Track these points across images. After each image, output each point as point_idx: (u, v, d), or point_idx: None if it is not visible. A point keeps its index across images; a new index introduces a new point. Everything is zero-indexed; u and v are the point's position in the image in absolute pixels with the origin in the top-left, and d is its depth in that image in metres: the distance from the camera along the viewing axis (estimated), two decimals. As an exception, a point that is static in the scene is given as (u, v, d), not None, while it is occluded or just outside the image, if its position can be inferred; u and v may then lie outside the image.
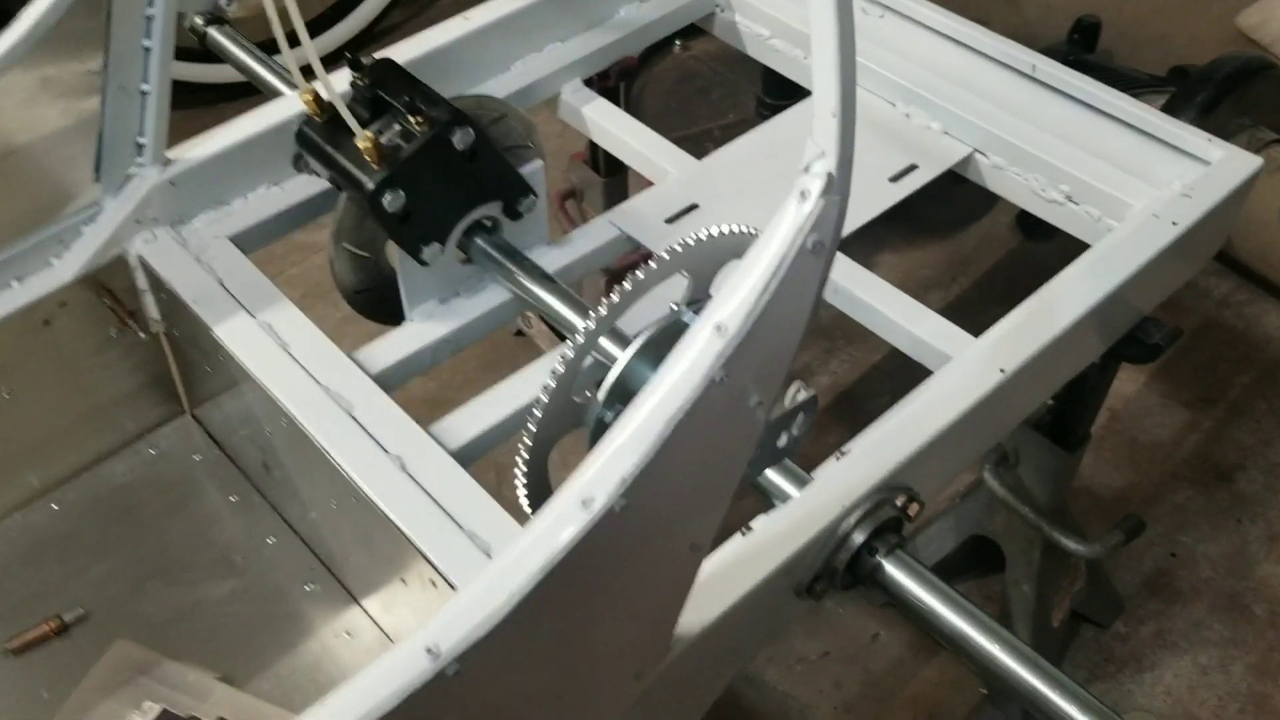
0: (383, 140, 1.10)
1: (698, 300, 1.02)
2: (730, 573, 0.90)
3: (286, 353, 1.14)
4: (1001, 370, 1.03)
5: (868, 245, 2.12)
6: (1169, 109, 1.81)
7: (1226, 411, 1.88)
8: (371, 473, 1.03)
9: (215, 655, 1.19)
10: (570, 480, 0.68)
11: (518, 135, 1.26)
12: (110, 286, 1.25)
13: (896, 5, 1.48)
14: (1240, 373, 1.93)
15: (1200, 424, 1.86)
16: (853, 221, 1.32)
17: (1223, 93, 1.86)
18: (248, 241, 1.27)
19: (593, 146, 1.71)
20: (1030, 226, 2.02)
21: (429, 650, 0.65)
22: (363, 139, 1.07)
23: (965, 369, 1.06)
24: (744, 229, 1.03)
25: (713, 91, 2.16)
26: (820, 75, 0.66)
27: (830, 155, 0.65)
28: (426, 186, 1.12)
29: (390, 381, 1.18)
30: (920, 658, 1.56)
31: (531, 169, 1.22)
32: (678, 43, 2.27)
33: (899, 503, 0.97)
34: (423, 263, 1.17)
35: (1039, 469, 1.39)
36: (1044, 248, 2.04)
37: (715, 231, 0.98)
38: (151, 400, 1.37)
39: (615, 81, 1.56)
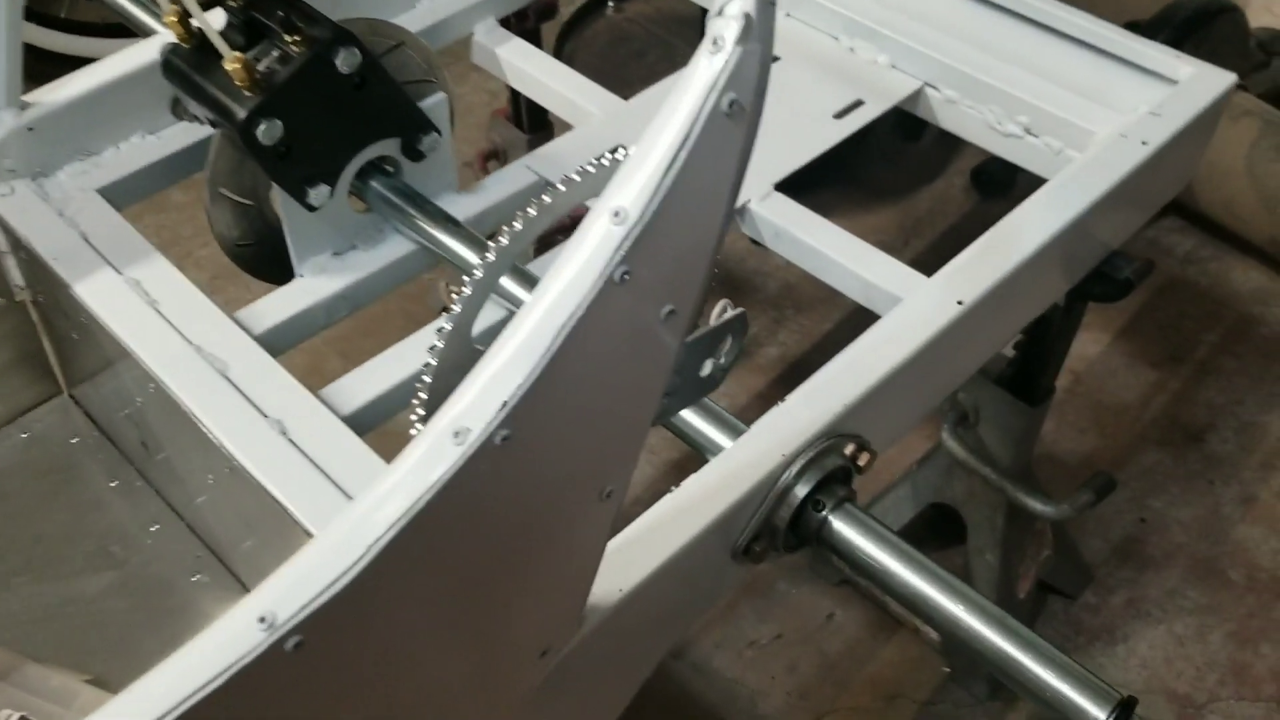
0: (260, 67, 0.97)
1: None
2: (654, 535, 0.78)
3: (155, 310, 1.00)
4: (959, 302, 0.92)
5: (818, 207, 2.00)
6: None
7: (1194, 370, 1.78)
8: (245, 437, 0.91)
9: (88, 656, 1.06)
10: (443, 409, 0.56)
11: (418, 67, 1.13)
12: (-40, 246, 1.11)
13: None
14: (1207, 330, 1.84)
15: (1167, 384, 1.76)
16: (795, 160, 1.21)
17: (1181, 37, 1.77)
18: (120, 195, 1.14)
19: (515, 101, 1.58)
20: (985, 184, 1.92)
21: (262, 620, 0.53)
22: (231, 60, 0.94)
23: (918, 306, 0.95)
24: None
25: (648, 54, 2.05)
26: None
27: (747, -7, 0.53)
28: (308, 117, 0.99)
29: (277, 343, 1.05)
30: (879, 638, 1.45)
31: (433, 102, 1.10)
32: (610, 3, 2.16)
33: (847, 451, 0.85)
34: (309, 207, 1.04)
35: (1001, 427, 1.28)
36: (1000, 207, 1.93)
37: (631, 150, 0.86)
38: (23, 379, 1.23)
39: (534, 22, 1.43)
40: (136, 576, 1.12)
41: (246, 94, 0.96)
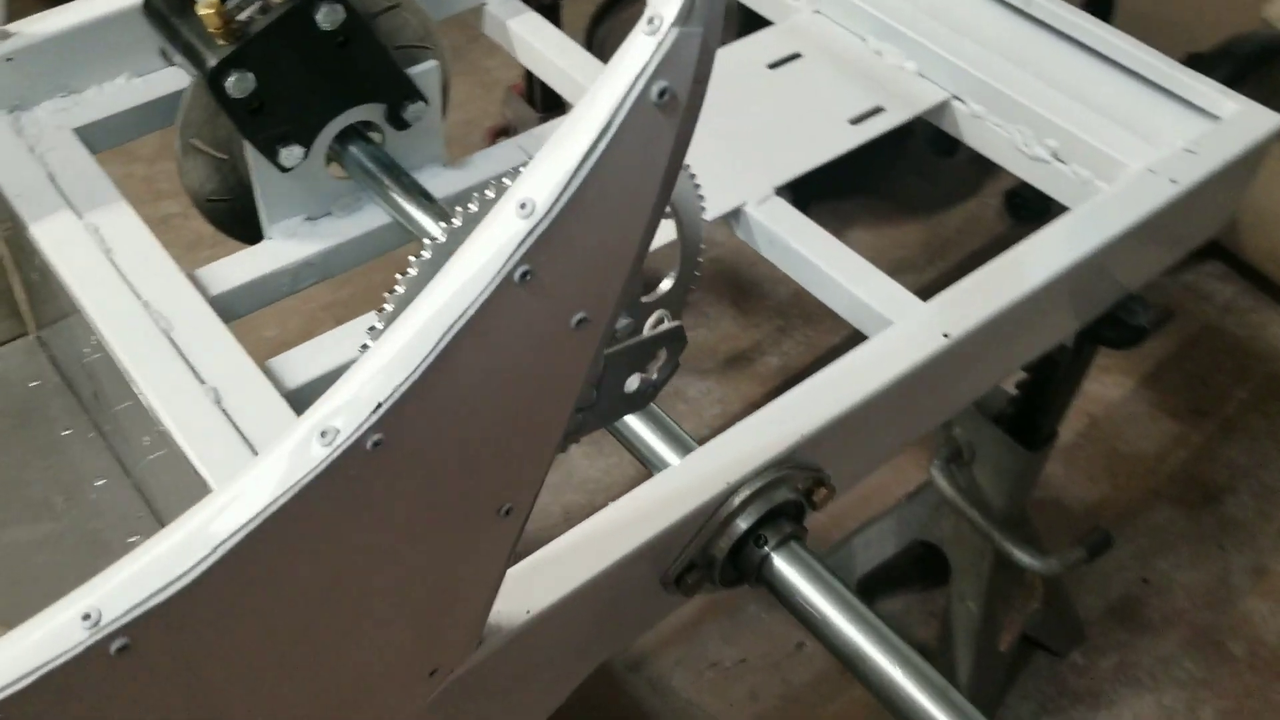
0: (241, 16, 0.92)
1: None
2: (575, 555, 0.72)
3: (109, 259, 0.96)
4: (945, 335, 0.85)
5: (840, 218, 1.94)
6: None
7: (1220, 427, 1.69)
8: (174, 400, 0.86)
9: (11, 606, 1.01)
10: (313, 407, 0.50)
11: (413, 32, 1.08)
12: (-73, 174, 1.07)
13: (877, -72, 1.30)
14: (1238, 385, 1.75)
15: (1189, 438, 1.68)
16: (800, 164, 1.14)
17: (1241, 72, 1.68)
18: (97, 136, 1.09)
19: (529, 78, 1.53)
20: (1018, 208, 1.84)
21: (87, 617, 0.48)
22: (205, 5, 0.89)
23: (903, 332, 0.88)
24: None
25: (687, 40, 1.98)
26: None
27: (690, -30, 0.47)
28: (284, 72, 0.94)
29: (236, 306, 1.00)
30: (849, 675, 1.38)
31: (423, 69, 1.04)
32: (654, -14, 2.08)
33: (801, 485, 0.79)
34: (281, 167, 0.99)
35: (996, 469, 1.21)
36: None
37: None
38: (-17, 317, 1.20)
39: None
40: (74, 531, 1.08)
41: (220, 43, 0.91)
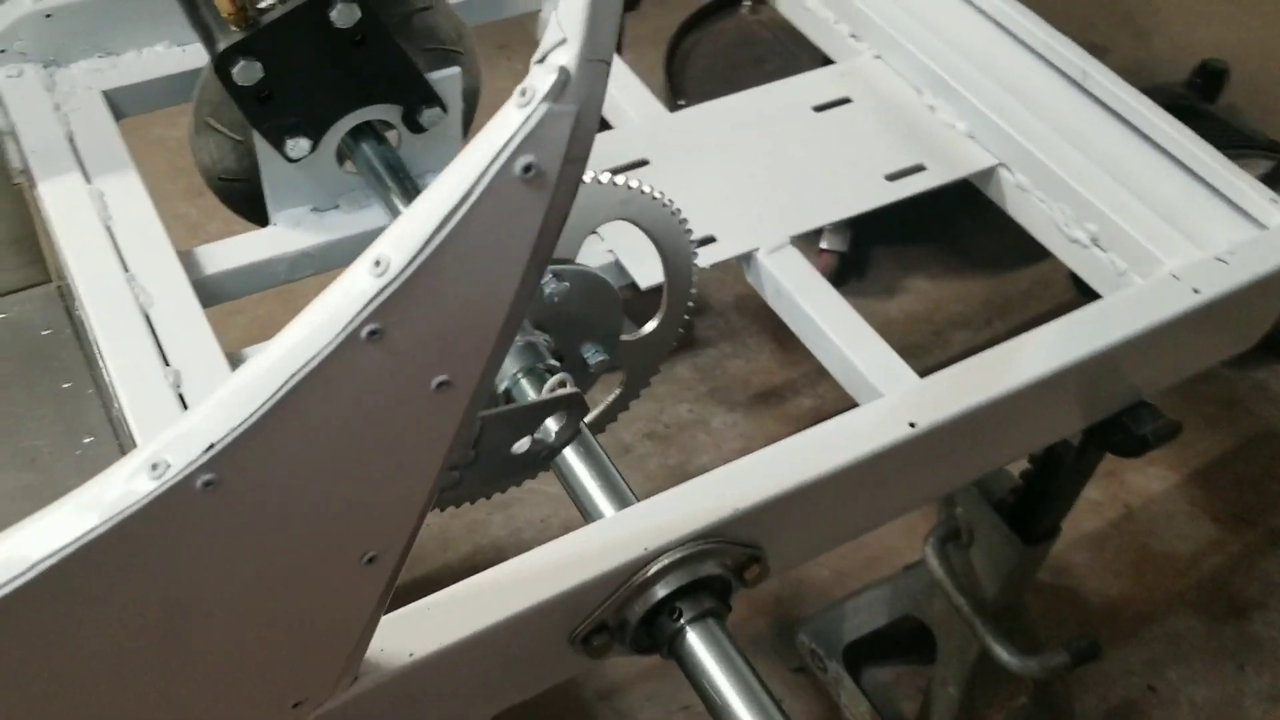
0: (261, 4, 0.92)
1: (555, 260, 0.83)
2: (474, 601, 0.70)
3: (105, 227, 0.97)
4: (911, 424, 0.81)
5: (902, 264, 1.88)
6: (1270, 179, 1.54)
7: (1263, 538, 1.60)
8: (135, 379, 0.87)
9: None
10: (155, 437, 0.49)
11: (444, 34, 1.06)
12: (-39, 119, 1.10)
13: (949, -22, 1.25)
14: (1292, 497, 1.65)
15: (1227, 545, 1.59)
16: (823, 216, 1.10)
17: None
18: (127, 101, 1.11)
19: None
20: (1081, 282, 1.76)
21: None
22: (218, -10, 0.89)
23: (875, 412, 0.84)
24: (607, 180, 0.83)
25: (769, 62, 1.94)
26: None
27: (574, 42, 0.45)
28: (294, 65, 0.93)
29: (228, 288, 1.01)
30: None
31: (444, 75, 1.03)
32: (747, 2, 2.05)
33: (732, 560, 0.76)
34: (288, 158, 0.99)
35: (991, 556, 1.16)
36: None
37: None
38: (16, 260, 1.22)
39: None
40: (53, 486, 1.10)
41: (232, 28, 0.91)
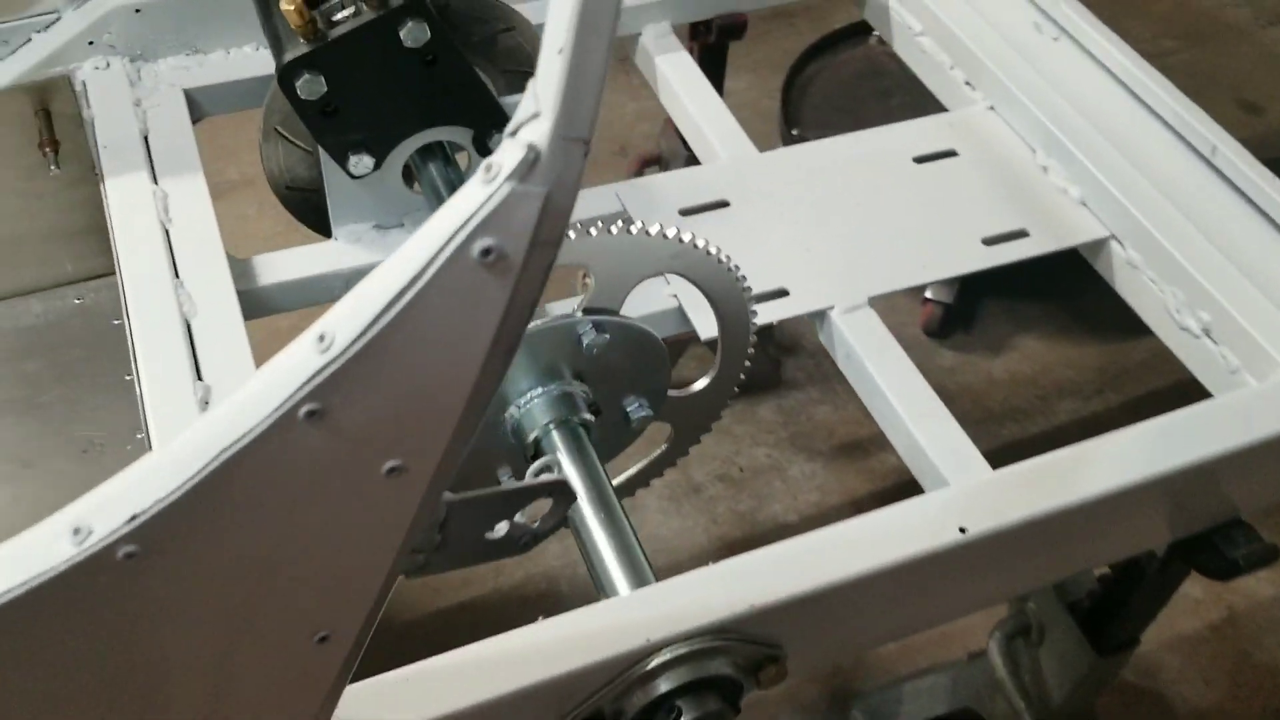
0: (336, 17, 0.90)
1: (596, 310, 0.78)
2: (462, 675, 0.66)
3: (163, 229, 0.96)
4: (962, 530, 0.73)
5: (1013, 320, 1.78)
6: None
7: (1386, 662, 1.45)
8: (163, 391, 0.85)
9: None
10: (83, 498, 0.46)
11: (525, 57, 1.03)
12: (51, 108, 1.11)
13: (1076, 31, 1.16)
14: None
15: (1341, 664, 1.45)
16: (907, 278, 1.03)
17: None
18: (208, 101, 1.10)
19: (690, 113, 1.45)
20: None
21: None
22: (287, 1, 0.87)
23: (923, 509, 0.77)
24: (657, 231, 0.77)
25: (894, 96, 1.86)
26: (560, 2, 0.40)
27: (548, 117, 0.40)
28: (360, 82, 0.91)
29: (282, 300, 0.99)
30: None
31: (518, 100, 0.98)
32: (877, 33, 1.96)
33: (744, 659, 0.70)
34: (350, 175, 0.96)
35: (1062, 661, 1.06)
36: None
37: (602, 229, 0.73)
38: (95, 247, 1.23)
39: (718, 38, 1.30)
40: (102, 474, 1.10)
41: (301, 40, 0.89)
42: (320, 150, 0.96)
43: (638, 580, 0.74)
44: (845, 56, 1.95)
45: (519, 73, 1.03)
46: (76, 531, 0.45)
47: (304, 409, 0.43)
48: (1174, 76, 1.09)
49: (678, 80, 1.19)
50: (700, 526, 1.52)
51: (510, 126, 0.41)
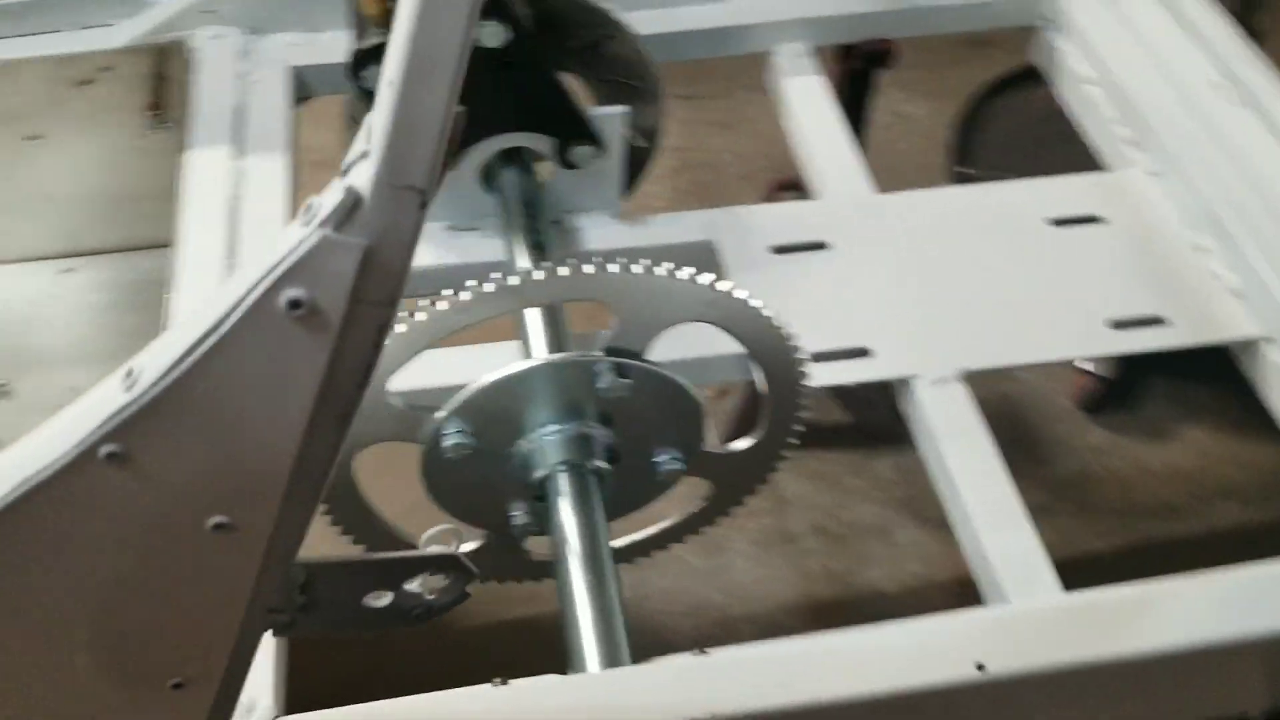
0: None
1: (619, 349, 0.71)
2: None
3: (229, 205, 0.95)
4: (979, 667, 0.63)
5: (1179, 403, 1.59)
6: None
7: None
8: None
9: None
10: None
11: (625, 67, 0.96)
12: (166, 74, 1.12)
13: (1262, 93, 1.01)
14: None
15: None
16: (1013, 354, 0.92)
17: None
18: (316, 80, 1.09)
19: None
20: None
21: None
22: (364, -11, 0.83)
23: (950, 633, 0.66)
24: (706, 282, 0.69)
25: (1077, 142, 1.70)
26: (399, 23, 0.34)
27: (374, 160, 0.33)
28: (433, 77, 0.86)
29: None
30: None
31: (605, 113, 0.92)
32: (1069, 74, 1.80)
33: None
34: (420, 171, 0.92)
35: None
36: None
37: (643, 268, 0.67)
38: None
39: (862, 65, 1.20)
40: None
41: (374, 29, 0.85)
42: (394, 143, 0.92)
43: (611, 659, 0.67)
44: (1033, 94, 1.80)
45: (622, 83, 0.97)
46: (-117, 543, 0.41)
47: (104, 449, 0.38)
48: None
49: (802, 105, 1.10)
50: (788, 580, 1.42)
51: (344, 162, 0.35)
